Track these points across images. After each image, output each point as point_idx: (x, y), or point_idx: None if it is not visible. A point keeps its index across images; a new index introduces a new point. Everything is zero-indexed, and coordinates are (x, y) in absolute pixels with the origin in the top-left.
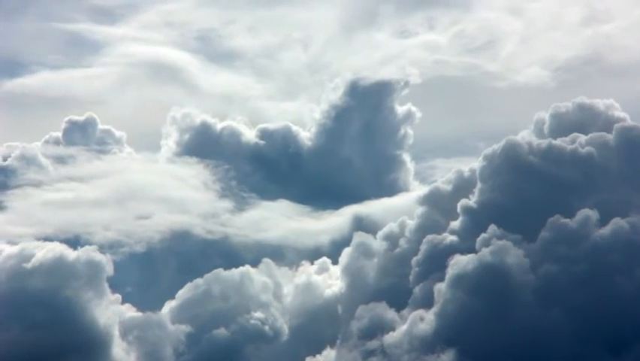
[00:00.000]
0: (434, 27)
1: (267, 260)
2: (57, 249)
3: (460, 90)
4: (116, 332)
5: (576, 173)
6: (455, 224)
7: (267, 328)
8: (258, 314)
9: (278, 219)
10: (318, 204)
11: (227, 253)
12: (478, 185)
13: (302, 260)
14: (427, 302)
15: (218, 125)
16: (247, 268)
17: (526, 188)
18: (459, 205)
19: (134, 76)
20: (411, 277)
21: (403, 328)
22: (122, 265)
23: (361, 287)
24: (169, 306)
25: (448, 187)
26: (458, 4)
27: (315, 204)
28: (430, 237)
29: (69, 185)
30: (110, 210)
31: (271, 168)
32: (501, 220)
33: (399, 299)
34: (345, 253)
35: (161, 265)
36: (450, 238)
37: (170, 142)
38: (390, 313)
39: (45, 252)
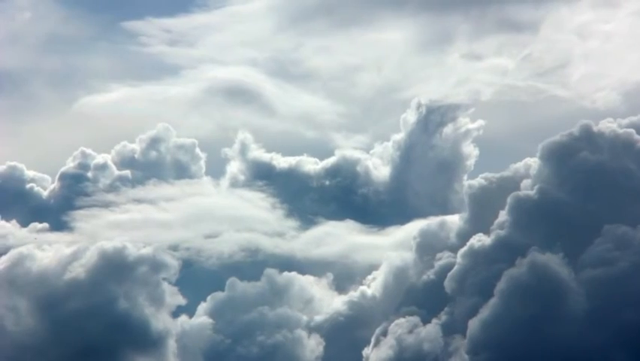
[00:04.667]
0: (503, 51)
1: (329, 274)
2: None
3: (528, 115)
4: (172, 337)
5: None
6: (499, 225)
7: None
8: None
9: (343, 235)
10: (385, 224)
11: (294, 269)
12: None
13: (366, 275)
14: (467, 312)
15: (286, 162)
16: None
17: (578, 190)
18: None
19: (208, 97)
20: (447, 281)
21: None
22: (190, 281)
23: (396, 295)
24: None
25: (499, 184)
26: (528, 28)
27: (382, 223)
28: (475, 237)
29: (137, 207)
30: (178, 231)
31: (338, 193)
32: (550, 226)
33: (434, 304)
34: (387, 259)
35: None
36: (492, 240)
37: (236, 165)
38: (425, 330)
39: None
